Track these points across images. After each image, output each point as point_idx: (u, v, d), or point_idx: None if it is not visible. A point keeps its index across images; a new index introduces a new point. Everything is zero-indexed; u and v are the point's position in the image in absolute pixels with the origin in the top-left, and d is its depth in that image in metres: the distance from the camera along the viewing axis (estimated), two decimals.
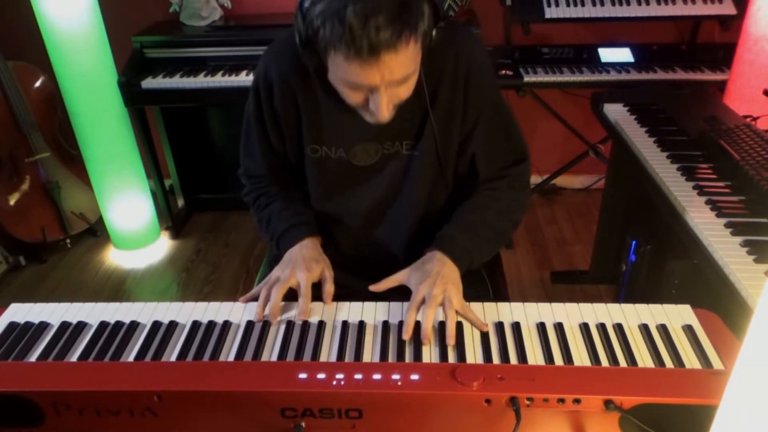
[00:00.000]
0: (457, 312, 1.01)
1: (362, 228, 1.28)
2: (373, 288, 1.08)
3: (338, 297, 1.09)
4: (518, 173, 1.23)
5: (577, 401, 0.81)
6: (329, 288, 1.10)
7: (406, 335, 0.97)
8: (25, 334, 1.00)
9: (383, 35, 0.89)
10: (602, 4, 2.46)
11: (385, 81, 0.96)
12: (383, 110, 1.00)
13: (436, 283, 1.04)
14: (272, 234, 1.24)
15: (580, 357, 0.93)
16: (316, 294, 1.09)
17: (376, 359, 0.94)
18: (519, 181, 1.23)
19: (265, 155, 1.26)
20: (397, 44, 0.91)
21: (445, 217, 1.22)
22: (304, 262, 1.12)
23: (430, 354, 0.95)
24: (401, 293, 1.08)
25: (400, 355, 0.94)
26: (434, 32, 1.01)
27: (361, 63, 0.92)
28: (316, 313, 1.05)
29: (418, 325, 0.99)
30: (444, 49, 1.10)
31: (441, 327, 1.00)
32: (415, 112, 1.14)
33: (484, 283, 1.33)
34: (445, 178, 1.22)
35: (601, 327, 0.99)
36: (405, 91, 1.03)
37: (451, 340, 0.96)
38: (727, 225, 1.28)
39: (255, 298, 1.08)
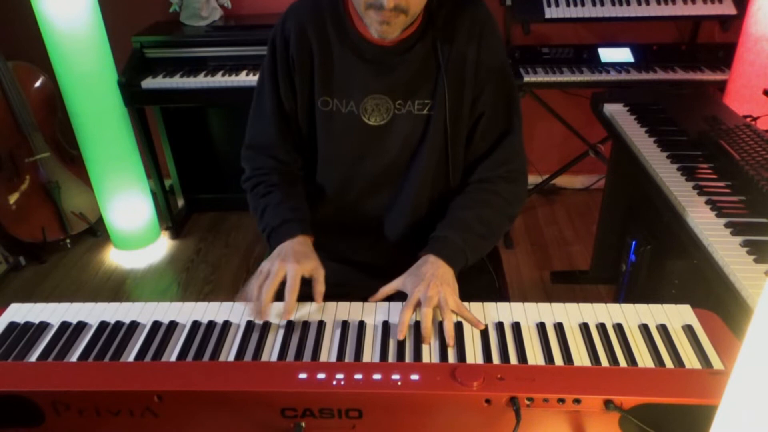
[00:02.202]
0: (453, 312, 1.02)
1: (366, 197, 1.26)
2: (372, 300, 1.07)
3: (335, 297, 1.08)
4: (511, 157, 1.21)
5: (577, 401, 0.81)
6: (320, 288, 1.07)
7: (401, 335, 0.97)
8: (25, 334, 1.00)
9: None
10: (602, 4, 2.46)
11: None
12: None
13: (431, 285, 1.04)
14: (264, 226, 1.20)
15: (580, 357, 0.93)
16: (307, 292, 1.07)
17: (376, 359, 0.94)
18: (515, 172, 1.22)
19: (275, 117, 1.23)
20: None
21: (451, 195, 1.22)
22: (293, 255, 1.10)
23: (430, 354, 0.95)
24: (401, 294, 1.08)
25: (400, 355, 0.94)
26: None
27: None
28: (316, 313, 1.05)
29: (414, 327, 0.99)
30: (460, 9, 1.13)
31: (440, 327, 1.00)
32: (428, 71, 1.16)
33: (490, 276, 1.34)
34: (458, 139, 1.20)
35: (601, 327, 0.99)
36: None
37: (450, 341, 0.96)
38: (727, 225, 1.28)
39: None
